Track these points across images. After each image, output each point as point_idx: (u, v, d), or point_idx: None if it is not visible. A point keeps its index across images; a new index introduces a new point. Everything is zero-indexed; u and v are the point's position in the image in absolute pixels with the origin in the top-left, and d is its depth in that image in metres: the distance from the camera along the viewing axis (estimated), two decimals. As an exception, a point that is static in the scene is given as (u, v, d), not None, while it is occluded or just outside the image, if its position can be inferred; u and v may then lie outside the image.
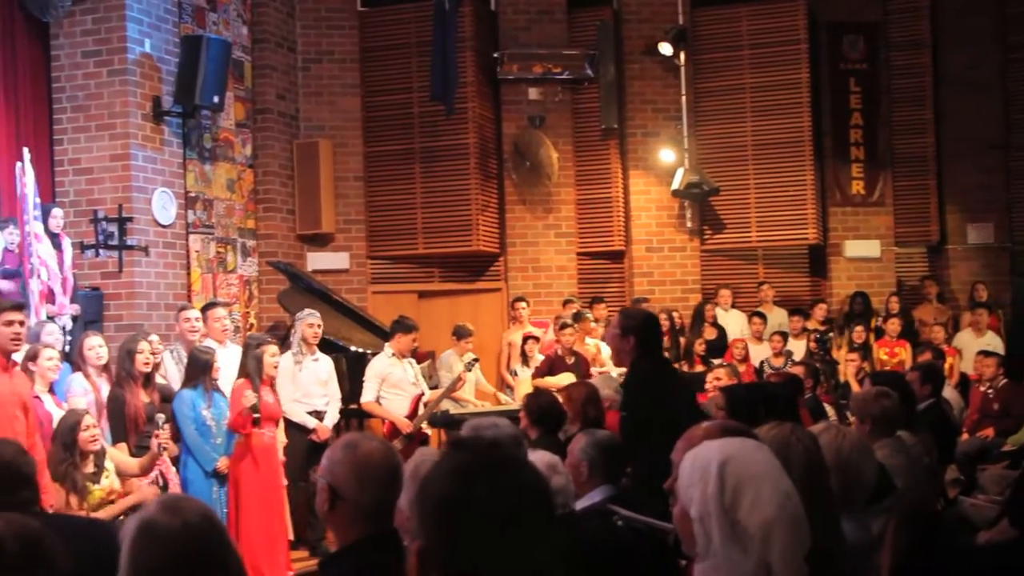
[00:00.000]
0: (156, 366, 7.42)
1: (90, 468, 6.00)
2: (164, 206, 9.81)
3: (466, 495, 1.72)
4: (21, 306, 6.29)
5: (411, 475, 2.91)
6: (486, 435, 3.66)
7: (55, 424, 6.31)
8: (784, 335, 11.09)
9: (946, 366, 10.17)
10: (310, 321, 8.56)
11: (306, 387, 8.46)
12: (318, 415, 8.47)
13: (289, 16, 11.68)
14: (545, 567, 1.75)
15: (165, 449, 6.65)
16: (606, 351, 9.80)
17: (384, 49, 11.89)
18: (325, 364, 8.66)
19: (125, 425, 6.90)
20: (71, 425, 6.05)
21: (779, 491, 2.32)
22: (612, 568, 3.21)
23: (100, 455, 6.15)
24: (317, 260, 11.71)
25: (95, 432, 6.10)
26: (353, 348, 9.60)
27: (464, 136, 11.65)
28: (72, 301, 8.61)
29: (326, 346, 9.14)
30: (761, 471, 2.36)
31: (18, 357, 6.17)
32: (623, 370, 8.88)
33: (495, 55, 11.96)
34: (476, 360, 9.48)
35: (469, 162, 11.65)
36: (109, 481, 6.16)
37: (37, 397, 6.58)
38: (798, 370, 8.49)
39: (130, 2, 9.43)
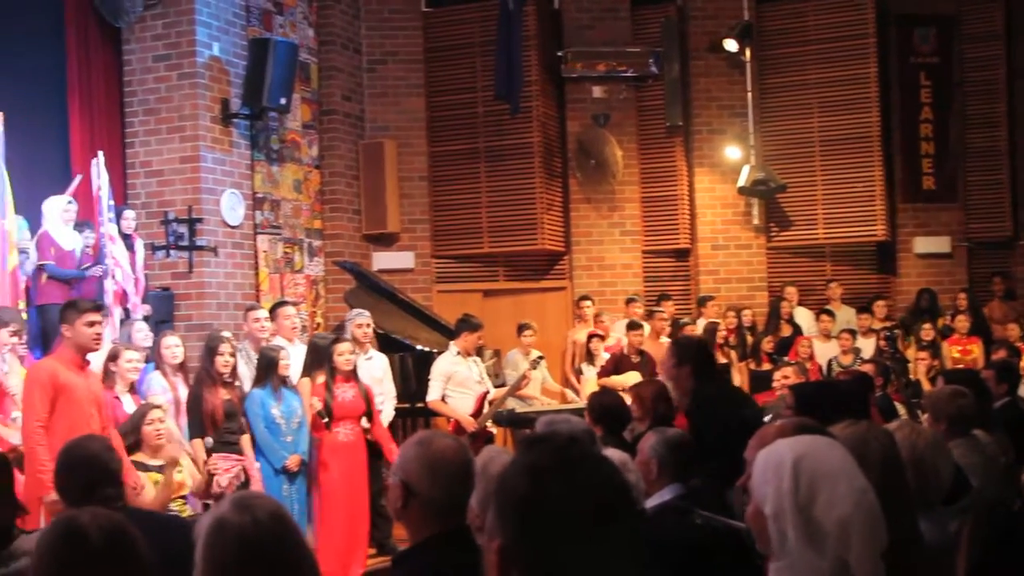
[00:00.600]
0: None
1: (158, 461, 6.09)
2: (233, 207, 9.92)
3: (546, 492, 1.71)
4: (101, 307, 6.43)
5: (480, 473, 2.91)
6: (562, 430, 3.66)
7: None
8: (853, 333, 10.95)
9: (1022, 364, 9.97)
10: (359, 321, 8.61)
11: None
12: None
13: (354, 18, 11.77)
14: (625, 565, 1.74)
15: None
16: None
17: (448, 49, 11.94)
18: (379, 363, 8.68)
19: (202, 422, 7.01)
20: (138, 417, 6.18)
21: (855, 488, 2.29)
22: (687, 566, 3.19)
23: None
24: (382, 260, 11.79)
25: (160, 427, 6.18)
26: (419, 347, 9.64)
27: (528, 135, 11.66)
28: (144, 301, 8.77)
29: (392, 345, 9.20)
30: (836, 468, 2.33)
31: (93, 357, 6.28)
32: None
33: (559, 53, 11.94)
34: (541, 358, 9.47)
35: (533, 161, 11.66)
36: (182, 476, 6.25)
37: (117, 397, 6.71)
38: (868, 368, 8.37)
39: (199, 6, 9.56)
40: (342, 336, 8.23)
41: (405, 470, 2.77)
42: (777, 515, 2.30)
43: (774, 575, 2.31)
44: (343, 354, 7.63)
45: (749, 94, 12.19)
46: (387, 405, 8.60)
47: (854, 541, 2.24)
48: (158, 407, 6.42)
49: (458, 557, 2.66)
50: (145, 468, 6.03)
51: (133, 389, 6.98)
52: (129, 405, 6.75)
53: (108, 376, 6.74)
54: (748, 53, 12.10)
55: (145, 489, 5.89)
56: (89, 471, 3.45)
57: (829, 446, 2.44)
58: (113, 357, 6.84)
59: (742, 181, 11.83)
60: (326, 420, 7.43)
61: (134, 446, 6.10)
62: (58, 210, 8.18)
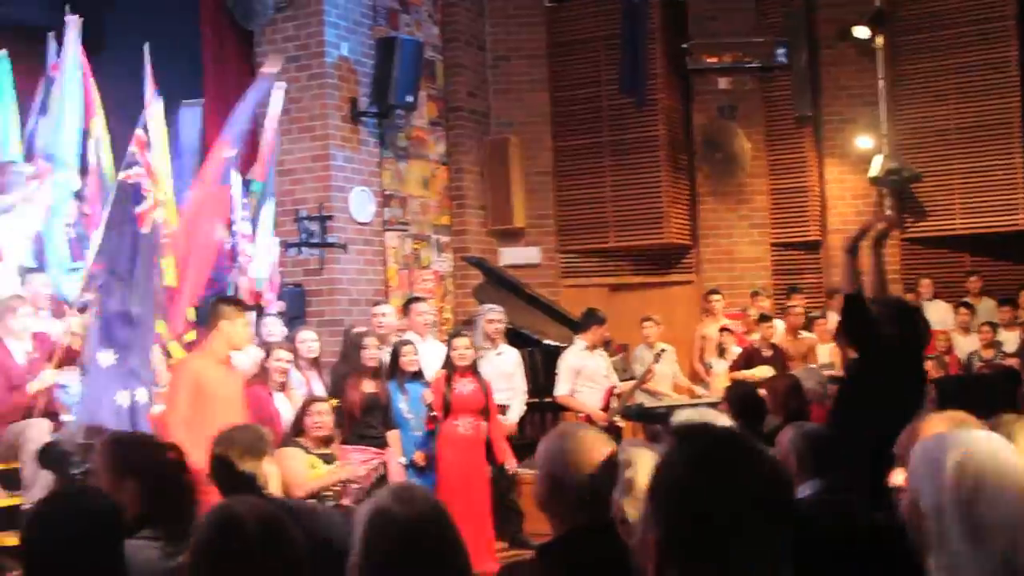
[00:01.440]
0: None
1: (321, 450, 6.22)
2: (362, 204, 10.09)
3: (709, 483, 1.68)
4: (250, 307, 6.59)
5: (621, 465, 2.88)
6: (712, 422, 3.61)
7: (284, 420, 6.59)
8: (994, 326, 10.58)
9: None
10: (490, 317, 8.64)
11: (487, 379, 8.52)
12: (502, 409, 8.50)
13: (479, 15, 11.83)
14: (782, 559, 1.70)
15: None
16: (822, 350, 9.62)
17: (572, 44, 11.92)
18: (510, 358, 8.67)
19: (343, 415, 7.11)
20: (301, 408, 6.31)
21: (1022, 484, 2.20)
22: (836, 561, 3.12)
23: (329, 441, 6.37)
24: (509, 255, 11.83)
25: (319, 420, 6.31)
26: (546, 342, 9.64)
27: (654, 128, 11.57)
28: (278, 298, 8.95)
29: (520, 340, 9.21)
30: (1001, 464, 2.24)
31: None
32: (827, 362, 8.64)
33: (683, 45, 11.80)
34: (664, 350, 9.39)
35: (659, 154, 11.57)
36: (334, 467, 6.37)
37: (270, 393, 6.84)
38: (1013, 362, 8.07)
39: (328, 7, 9.73)
40: (462, 331, 8.25)
41: (549, 462, 2.76)
42: (937, 511, 2.22)
43: (935, 573, 2.23)
44: (458, 348, 7.67)
45: (881, 82, 11.86)
46: (516, 401, 8.57)
47: (1022, 538, 2.15)
48: (322, 399, 6.56)
49: (602, 550, 2.64)
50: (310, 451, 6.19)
51: (285, 387, 7.11)
52: (281, 402, 6.89)
53: (262, 372, 6.89)
54: (880, 40, 11.78)
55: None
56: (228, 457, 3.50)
57: (989, 440, 2.34)
58: (267, 354, 7.00)
59: (874, 171, 11.53)
60: (434, 415, 7.47)
61: (297, 436, 6.25)
62: None
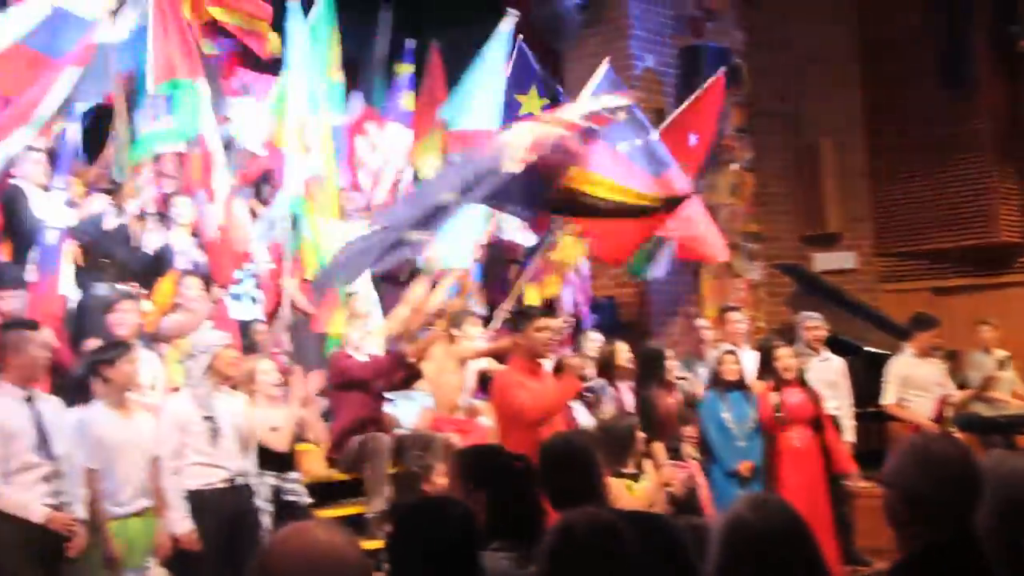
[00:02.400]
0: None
1: (630, 468, 6.23)
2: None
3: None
4: (550, 313, 6.69)
5: (987, 478, 2.70)
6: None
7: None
8: None
9: None
10: (808, 324, 8.45)
11: (812, 388, 8.28)
12: (832, 419, 8.20)
13: (784, 16, 11.53)
14: None
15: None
16: None
17: (885, 39, 11.39)
18: (834, 365, 8.41)
19: (655, 426, 7.11)
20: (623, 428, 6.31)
21: None
22: None
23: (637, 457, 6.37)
24: (823, 261, 11.46)
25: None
26: (867, 348, 9.27)
27: (979, 122, 10.87)
28: (591, 311, 9.08)
29: (840, 347, 8.90)
30: None
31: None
32: None
33: (1012, 28, 10.98)
34: (1009, 357, 8.79)
35: (985, 148, 10.86)
36: (647, 482, 6.36)
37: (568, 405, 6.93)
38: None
39: (633, 20, 9.81)
40: (776, 340, 8.05)
41: (901, 476, 2.63)
42: None
43: None
44: (781, 359, 7.50)
45: None
46: (844, 411, 8.26)
47: None
48: (632, 415, 6.59)
49: (962, 568, 2.49)
50: (619, 475, 6.19)
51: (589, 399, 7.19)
52: (581, 414, 6.96)
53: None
54: None
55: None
56: (572, 469, 3.52)
57: None
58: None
59: None
60: (780, 415, 7.27)
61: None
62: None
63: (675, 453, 7.14)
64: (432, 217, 6.31)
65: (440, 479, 5.73)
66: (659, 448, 7.04)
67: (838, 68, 11.51)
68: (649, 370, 7.39)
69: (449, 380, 7.20)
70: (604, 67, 8.05)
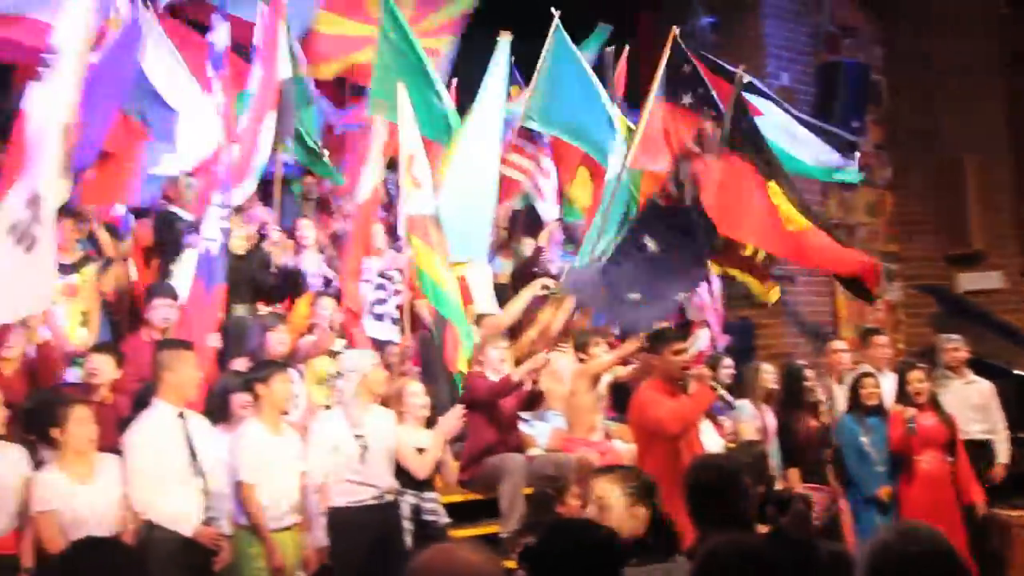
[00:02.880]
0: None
1: None
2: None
3: None
4: (685, 336, 6.67)
5: None
6: None
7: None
8: None
9: None
10: (948, 346, 8.21)
11: (954, 412, 8.00)
12: (981, 444, 7.92)
13: (922, 30, 11.25)
14: None
15: None
16: None
17: (1030, 51, 11.04)
18: (980, 387, 8.12)
19: (793, 450, 7.01)
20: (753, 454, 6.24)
21: None
22: None
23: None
24: (967, 281, 11.10)
25: None
26: (1016, 371, 8.95)
27: None
28: (724, 332, 8.98)
29: (987, 370, 8.62)
30: None
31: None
32: None
33: None
34: None
35: None
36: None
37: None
38: None
39: (769, 38, 9.71)
40: (915, 363, 7.81)
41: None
42: None
43: None
44: (912, 382, 7.29)
45: None
46: (1001, 439, 7.99)
47: None
48: (760, 441, 6.51)
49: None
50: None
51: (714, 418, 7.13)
52: (708, 430, 6.89)
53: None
54: None
55: None
56: (719, 493, 3.49)
57: None
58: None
59: None
60: (911, 427, 7.07)
61: None
62: None
63: (817, 477, 7.02)
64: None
65: (573, 500, 5.71)
66: (793, 474, 6.94)
67: (979, 81, 11.17)
68: (790, 391, 7.30)
69: (582, 401, 7.21)
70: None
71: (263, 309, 7.35)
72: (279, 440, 5.40)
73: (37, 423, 5.03)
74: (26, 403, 5.34)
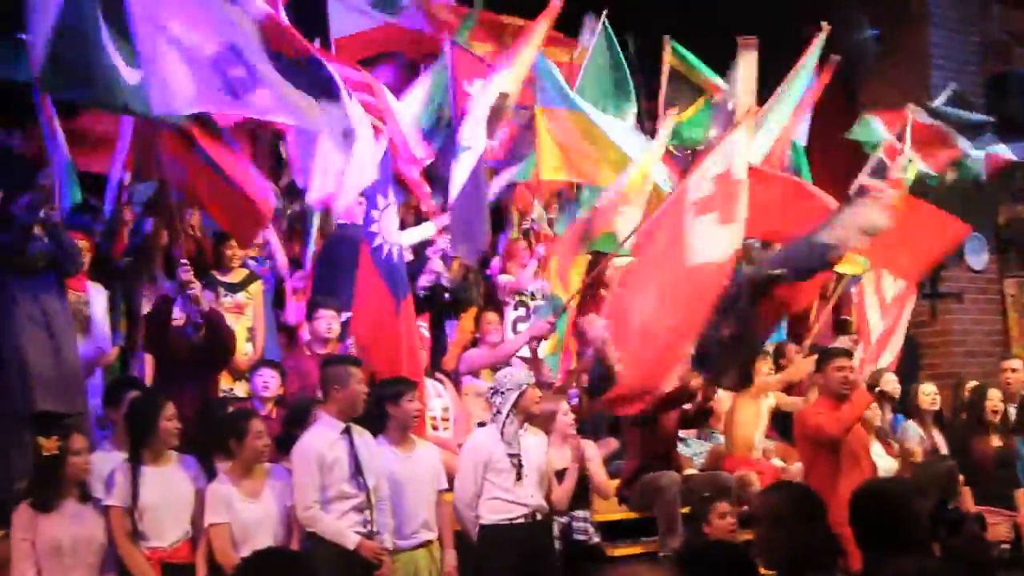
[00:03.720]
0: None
1: None
2: (976, 251, 9.61)
3: None
4: (848, 353, 6.54)
5: None
6: None
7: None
8: None
9: None
10: None
11: None
12: None
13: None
14: None
15: None
16: None
17: None
18: None
19: (969, 471, 6.78)
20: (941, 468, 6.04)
21: None
22: None
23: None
24: None
25: None
26: None
27: None
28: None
29: None
30: None
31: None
32: None
33: None
34: None
35: None
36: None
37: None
38: None
39: (935, 49, 9.43)
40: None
41: None
42: None
43: None
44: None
45: None
46: None
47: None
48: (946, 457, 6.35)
49: None
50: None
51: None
52: (878, 450, 6.74)
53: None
54: None
55: None
56: (884, 513, 3.42)
57: None
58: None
59: None
60: None
61: None
62: None
63: (1000, 501, 6.81)
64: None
65: (719, 521, 5.64)
66: (966, 493, 6.72)
67: None
68: (970, 410, 7.13)
69: (743, 419, 7.14)
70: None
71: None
72: (407, 457, 5.40)
73: (216, 433, 5.21)
74: (203, 414, 5.54)
